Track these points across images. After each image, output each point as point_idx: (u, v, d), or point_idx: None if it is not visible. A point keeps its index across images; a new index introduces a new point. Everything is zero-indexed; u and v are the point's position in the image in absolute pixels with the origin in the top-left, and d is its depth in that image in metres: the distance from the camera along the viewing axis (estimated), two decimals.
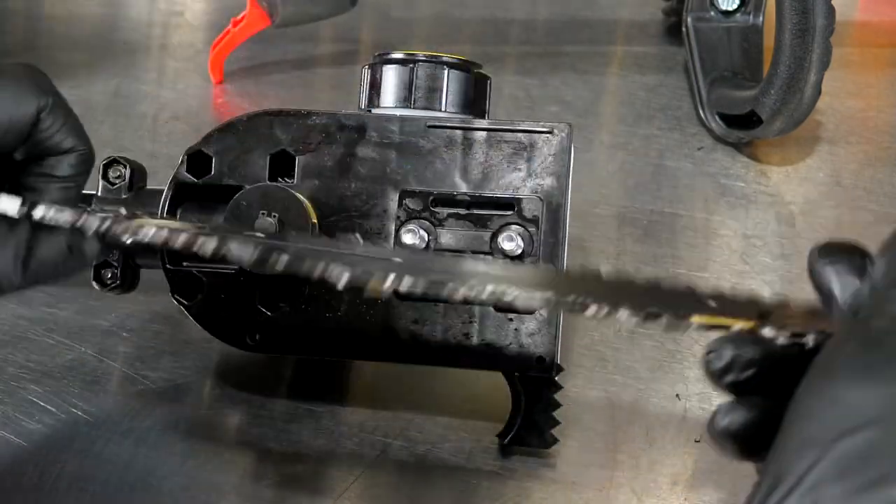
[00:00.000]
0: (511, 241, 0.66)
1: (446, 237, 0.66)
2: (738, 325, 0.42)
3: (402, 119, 0.67)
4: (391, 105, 0.69)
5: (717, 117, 1.03)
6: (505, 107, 1.08)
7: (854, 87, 1.16)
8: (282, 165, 0.67)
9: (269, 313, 0.66)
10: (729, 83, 1.03)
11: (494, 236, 0.66)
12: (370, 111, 0.69)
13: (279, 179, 0.67)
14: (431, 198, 0.67)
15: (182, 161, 0.67)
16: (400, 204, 0.67)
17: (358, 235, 0.66)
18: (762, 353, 0.43)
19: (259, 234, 0.56)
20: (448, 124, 0.67)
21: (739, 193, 0.97)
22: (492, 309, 0.65)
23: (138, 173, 0.71)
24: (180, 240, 0.50)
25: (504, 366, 0.66)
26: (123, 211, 0.65)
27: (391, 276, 0.44)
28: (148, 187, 0.71)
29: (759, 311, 0.42)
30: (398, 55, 0.69)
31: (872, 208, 0.96)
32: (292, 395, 0.72)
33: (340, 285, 0.45)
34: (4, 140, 0.58)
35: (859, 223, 0.94)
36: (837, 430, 0.35)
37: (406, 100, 0.68)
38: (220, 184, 0.67)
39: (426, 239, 0.66)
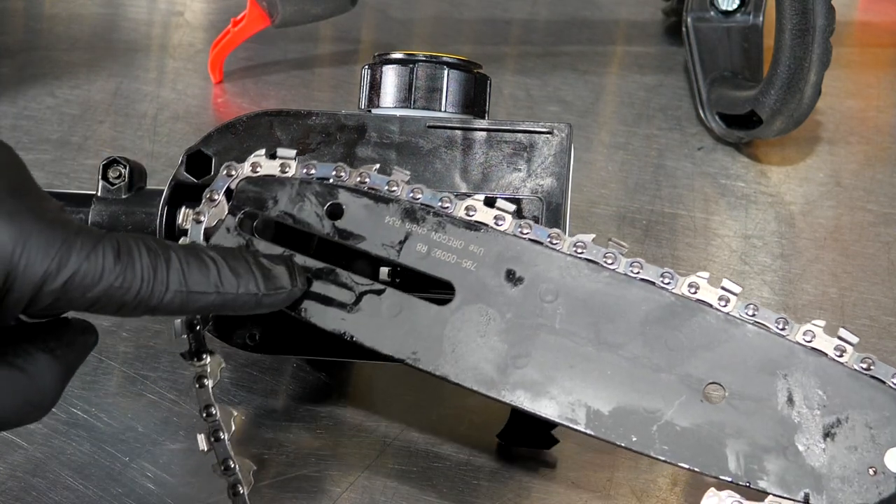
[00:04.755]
0: None
1: None
2: None
3: (402, 119, 0.67)
4: (391, 105, 0.69)
5: (717, 117, 1.03)
6: (505, 107, 1.08)
7: (854, 87, 1.16)
8: None
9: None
10: (729, 83, 1.03)
11: None
12: (370, 111, 0.69)
13: None
14: None
15: (182, 161, 0.67)
16: None
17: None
18: None
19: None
20: (448, 124, 0.67)
21: (739, 193, 0.97)
22: None
23: (138, 173, 0.70)
24: None
25: None
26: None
27: None
28: (148, 187, 0.71)
29: None
30: (398, 55, 0.69)
31: (872, 208, 0.96)
32: (292, 396, 0.72)
33: None
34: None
35: (859, 223, 0.94)
36: None
37: (406, 100, 0.68)
38: None
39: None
